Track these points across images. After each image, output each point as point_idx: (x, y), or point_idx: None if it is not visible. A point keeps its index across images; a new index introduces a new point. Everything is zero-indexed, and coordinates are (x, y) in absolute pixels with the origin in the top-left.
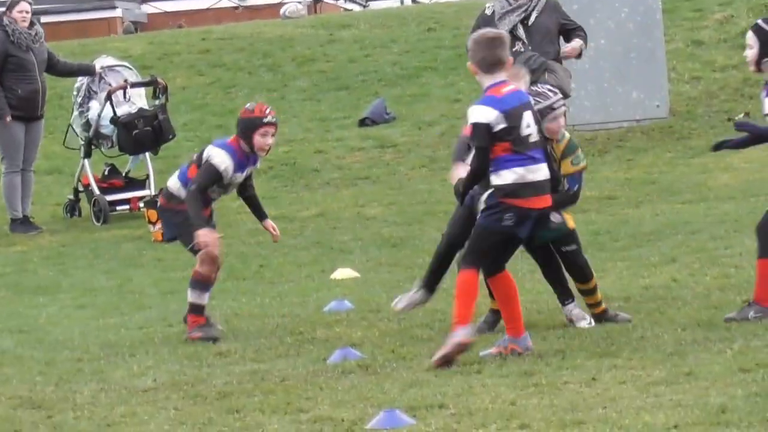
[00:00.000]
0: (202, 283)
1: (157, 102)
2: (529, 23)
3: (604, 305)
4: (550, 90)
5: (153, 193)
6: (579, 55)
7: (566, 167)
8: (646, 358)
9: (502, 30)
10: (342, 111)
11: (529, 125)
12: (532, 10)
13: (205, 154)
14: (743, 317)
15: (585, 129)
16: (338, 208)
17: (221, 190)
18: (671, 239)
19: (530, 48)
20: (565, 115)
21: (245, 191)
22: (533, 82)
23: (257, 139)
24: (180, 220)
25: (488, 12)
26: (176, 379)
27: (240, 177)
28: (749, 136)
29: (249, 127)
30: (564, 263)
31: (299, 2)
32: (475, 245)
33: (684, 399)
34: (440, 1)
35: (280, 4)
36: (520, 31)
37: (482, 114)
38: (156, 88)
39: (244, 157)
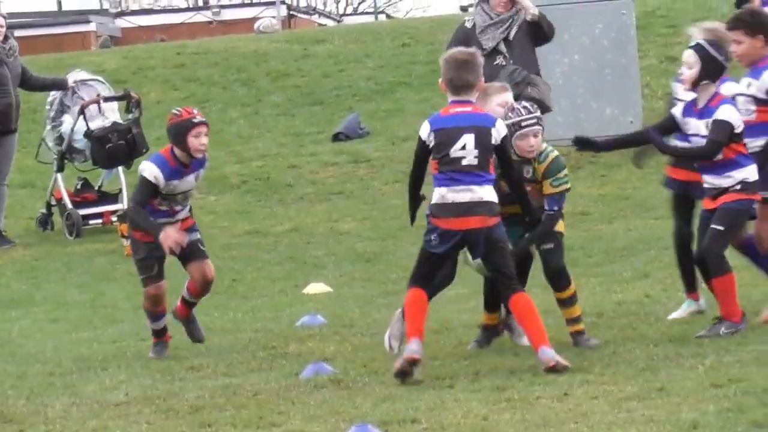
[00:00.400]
0: (150, 315)
1: (130, 116)
2: (510, 37)
3: (581, 325)
4: (525, 108)
5: (126, 207)
6: (544, 29)
7: (546, 188)
8: (619, 374)
9: (486, 44)
10: (316, 126)
11: (464, 147)
12: (514, 24)
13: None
14: (714, 333)
15: (558, 145)
16: (312, 223)
17: (168, 201)
18: (644, 255)
19: (511, 61)
20: (536, 135)
21: None
22: (517, 96)
23: (191, 141)
24: (132, 243)
25: (468, 25)
26: (148, 393)
27: (184, 185)
28: (609, 143)
29: (180, 131)
30: (542, 263)
31: (273, 17)
32: (416, 264)
33: (656, 414)
34: (415, 17)
35: (255, 19)
36: (501, 45)
37: (422, 129)
38: (129, 103)
39: (179, 165)
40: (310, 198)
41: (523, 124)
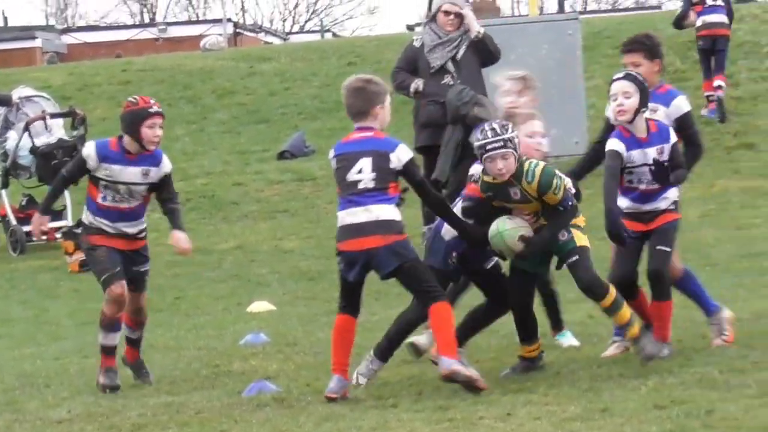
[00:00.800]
0: (106, 325)
1: (75, 133)
2: (458, 57)
3: (636, 328)
4: (493, 129)
5: (70, 224)
6: (490, 48)
7: (551, 199)
8: (562, 394)
9: (434, 63)
10: (261, 144)
11: (361, 171)
12: (462, 44)
13: None
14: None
15: None
16: (256, 241)
17: (111, 192)
18: None
19: (459, 81)
20: (506, 158)
21: (164, 203)
22: (464, 116)
23: (145, 131)
24: (86, 252)
25: (416, 44)
26: (91, 410)
27: (126, 175)
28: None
29: (135, 119)
30: (573, 277)
31: (220, 35)
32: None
33: None
34: (361, 36)
35: (201, 37)
36: (449, 65)
37: (329, 154)
38: (74, 119)
39: (121, 150)
40: (254, 216)
41: (488, 147)
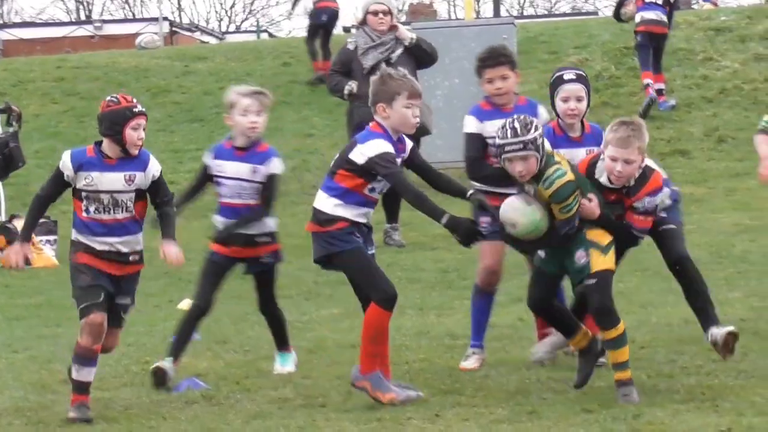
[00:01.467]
0: (81, 357)
1: (10, 129)
2: (392, 60)
3: (628, 372)
4: (513, 129)
5: (3, 220)
6: (426, 50)
7: (557, 214)
8: (490, 397)
9: (366, 63)
10: (195, 143)
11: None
12: (397, 47)
13: None
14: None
15: (438, 167)
16: (188, 240)
17: (95, 204)
18: (519, 279)
19: None
20: (526, 159)
21: (157, 207)
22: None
23: (129, 133)
24: (70, 270)
25: (350, 47)
26: (19, 405)
27: (107, 181)
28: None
29: (117, 120)
30: (587, 300)
31: (155, 33)
32: None
33: None
34: (297, 36)
35: (137, 35)
36: (383, 67)
37: None
38: (9, 115)
39: (99, 155)
40: (186, 214)
41: (507, 149)
